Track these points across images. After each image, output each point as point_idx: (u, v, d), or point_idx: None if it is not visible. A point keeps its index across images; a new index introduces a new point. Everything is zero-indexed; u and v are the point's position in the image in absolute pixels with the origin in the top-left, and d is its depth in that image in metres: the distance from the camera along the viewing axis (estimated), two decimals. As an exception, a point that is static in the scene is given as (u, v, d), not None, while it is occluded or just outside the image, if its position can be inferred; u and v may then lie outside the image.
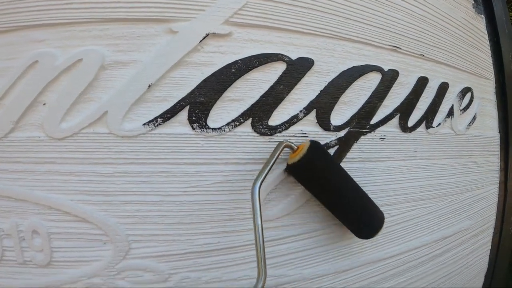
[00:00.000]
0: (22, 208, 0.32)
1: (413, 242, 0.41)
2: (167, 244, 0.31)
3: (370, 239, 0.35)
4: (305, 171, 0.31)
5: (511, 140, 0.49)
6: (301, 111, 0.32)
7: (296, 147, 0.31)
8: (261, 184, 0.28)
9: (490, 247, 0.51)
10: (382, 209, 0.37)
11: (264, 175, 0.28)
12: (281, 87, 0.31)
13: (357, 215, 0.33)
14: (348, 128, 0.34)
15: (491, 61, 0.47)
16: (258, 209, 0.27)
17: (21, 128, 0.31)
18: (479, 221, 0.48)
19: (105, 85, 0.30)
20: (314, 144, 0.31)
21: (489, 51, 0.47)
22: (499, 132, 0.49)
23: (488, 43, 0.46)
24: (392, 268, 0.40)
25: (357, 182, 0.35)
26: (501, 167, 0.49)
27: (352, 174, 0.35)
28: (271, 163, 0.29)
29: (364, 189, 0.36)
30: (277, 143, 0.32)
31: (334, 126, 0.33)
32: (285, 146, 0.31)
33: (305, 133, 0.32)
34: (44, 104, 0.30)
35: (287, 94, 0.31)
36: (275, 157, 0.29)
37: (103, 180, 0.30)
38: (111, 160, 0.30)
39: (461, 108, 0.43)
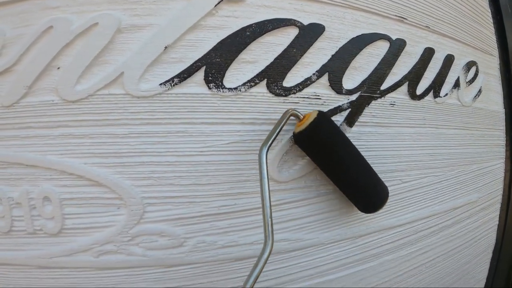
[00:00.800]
0: (33, 174, 0.32)
1: (424, 211, 0.41)
2: (183, 206, 0.31)
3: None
4: (311, 141, 0.31)
5: (515, 116, 0.50)
6: (314, 74, 0.32)
7: (302, 116, 0.31)
8: (268, 149, 0.28)
9: (497, 223, 0.52)
10: (394, 175, 0.38)
11: (271, 140, 0.28)
12: (294, 50, 0.32)
13: (361, 189, 0.33)
14: (360, 92, 0.34)
15: (495, 39, 0.49)
16: (266, 174, 0.27)
17: (34, 93, 0.31)
18: (486, 195, 0.49)
19: (121, 48, 0.30)
20: (320, 114, 0.31)
21: (493, 29, 0.48)
22: (504, 108, 0.50)
23: (492, 20, 0.48)
24: (404, 236, 0.40)
25: (371, 147, 0.35)
26: (506, 142, 0.50)
27: (365, 138, 0.35)
28: (277, 130, 0.29)
29: (377, 154, 0.37)
30: (292, 104, 0.32)
31: (346, 89, 0.34)
32: (291, 115, 0.31)
33: (318, 95, 0.33)
34: (59, 68, 0.31)
35: (300, 57, 0.32)
36: (282, 124, 0.29)
37: (118, 141, 0.30)
38: (126, 121, 0.30)
39: (467, 80, 0.44)
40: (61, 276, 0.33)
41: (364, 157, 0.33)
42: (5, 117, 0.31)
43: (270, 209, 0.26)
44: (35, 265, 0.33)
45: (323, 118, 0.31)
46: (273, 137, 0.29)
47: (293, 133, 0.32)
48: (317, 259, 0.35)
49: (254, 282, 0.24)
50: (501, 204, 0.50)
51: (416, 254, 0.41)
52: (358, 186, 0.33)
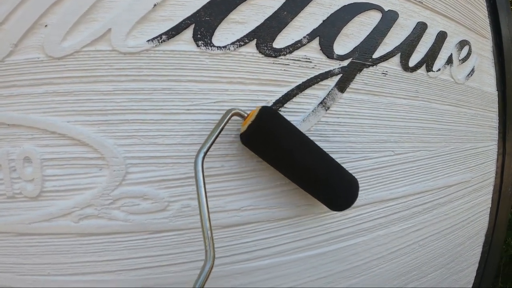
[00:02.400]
0: (15, 134, 0.31)
1: (417, 186, 0.40)
2: (167, 167, 0.30)
3: (376, 174, 0.35)
4: (256, 141, 0.28)
5: (508, 99, 0.50)
6: (304, 37, 0.32)
7: (246, 115, 0.28)
8: (204, 155, 0.25)
9: (490, 205, 0.51)
10: (386, 145, 0.37)
11: (208, 145, 0.26)
12: (285, 13, 0.32)
13: (324, 185, 0.30)
14: (351, 58, 0.34)
15: (488, 21, 0.49)
16: (202, 182, 0.24)
17: (20, 51, 0.30)
18: (479, 176, 0.48)
19: (109, 6, 0.29)
20: (263, 110, 0.28)
21: (486, 11, 0.49)
22: (497, 90, 0.50)
23: (485, 4, 0.48)
24: (397, 211, 0.39)
25: (364, 115, 0.34)
26: (499, 125, 0.49)
27: (357, 105, 0.35)
28: (216, 133, 0.26)
29: (370, 122, 0.36)
30: (281, 65, 0.31)
31: (337, 55, 0.33)
32: (233, 114, 0.28)
33: (309, 59, 0.32)
34: (46, 26, 0.30)
35: (290, 20, 0.32)
36: (221, 126, 0.27)
37: (102, 98, 0.29)
38: (112, 77, 0.29)
39: (460, 58, 0.44)
40: (40, 244, 0.32)
41: (358, 125, 0.32)
42: (-11, 75, 0.31)
43: (209, 221, 0.24)
44: (14, 232, 0.32)
45: (266, 113, 0.28)
46: (211, 141, 0.26)
47: (240, 134, 0.29)
48: (308, 229, 0.34)
49: None
50: (494, 186, 0.50)
51: (409, 231, 0.40)
52: (320, 183, 0.30)
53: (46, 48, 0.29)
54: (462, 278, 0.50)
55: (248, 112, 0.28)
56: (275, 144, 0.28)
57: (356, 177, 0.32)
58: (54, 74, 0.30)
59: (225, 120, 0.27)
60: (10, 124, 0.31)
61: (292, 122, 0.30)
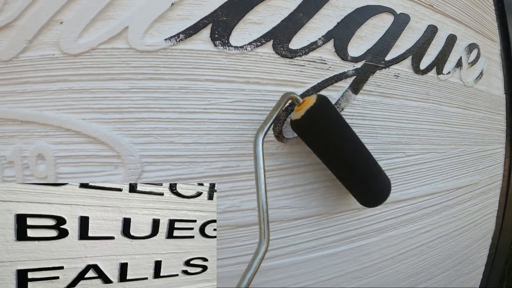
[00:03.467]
0: (28, 131, 0.30)
1: (427, 187, 0.41)
2: (183, 166, 0.30)
3: (388, 175, 0.35)
4: (308, 129, 0.28)
5: (515, 103, 0.51)
6: (319, 39, 0.32)
7: (301, 100, 0.28)
8: (264, 135, 0.25)
9: (497, 208, 0.51)
10: (397, 147, 0.37)
11: (267, 126, 0.26)
12: (301, 14, 0.32)
13: (362, 183, 0.31)
14: (365, 60, 0.34)
15: (496, 25, 0.50)
16: (262, 164, 0.24)
17: (34, 47, 0.30)
18: (487, 178, 0.49)
19: (127, 3, 0.29)
20: (320, 99, 0.27)
21: (494, 15, 0.49)
22: (505, 93, 0.51)
23: (493, 7, 0.49)
24: (408, 212, 0.39)
25: (376, 117, 0.35)
26: (507, 128, 0.50)
27: (369, 107, 0.35)
28: (275, 114, 0.27)
29: (381, 124, 0.36)
30: (297, 66, 0.32)
31: (351, 56, 0.34)
32: (289, 98, 0.28)
33: (324, 60, 0.32)
34: (62, 22, 0.30)
35: (306, 22, 0.32)
36: (279, 108, 0.27)
37: (119, 96, 0.29)
38: (129, 75, 0.29)
39: (469, 61, 0.45)
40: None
41: (371, 126, 0.32)
42: (2, 72, 0.30)
43: (267, 204, 0.24)
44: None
45: (323, 104, 0.28)
46: (270, 122, 0.26)
47: (291, 120, 0.29)
48: (321, 229, 0.34)
49: (249, 283, 0.22)
50: (501, 189, 0.50)
51: (418, 233, 0.41)
52: (359, 180, 0.31)
53: (61, 45, 0.29)
54: (469, 280, 0.51)
55: (304, 99, 0.28)
56: (327, 133, 0.28)
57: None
58: (69, 71, 0.29)
59: (283, 103, 0.27)
60: (23, 121, 0.30)
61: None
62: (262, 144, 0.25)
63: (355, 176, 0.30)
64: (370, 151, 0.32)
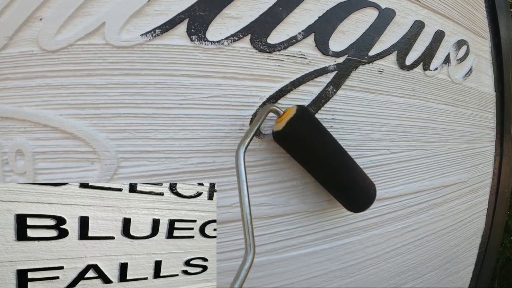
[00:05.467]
0: (7, 127, 0.30)
1: (413, 185, 0.40)
2: (158, 162, 0.29)
3: (371, 172, 0.34)
4: (290, 140, 0.29)
5: (506, 100, 0.50)
6: (299, 33, 0.32)
7: (282, 112, 0.29)
8: (245, 149, 0.26)
9: (486, 206, 0.50)
10: (381, 144, 0.37)
11: (248, 140, 0.26)
12: (280, 9, 0.31)
13: (346, 189, 0.31)
14: (347, 55, 0.34)
15: (487, 22, 0.49)
16: (244, 177, 0.24)
17: (14, 44, 0.30)
18: (476, 176, 0.48)
19: (104, 0, 0.29)
20: (300, 110, 0.28)
21: (485, 12, 0.48)
22: (495, 91, 0.50)
23: (484, 4, 0.48)
24: (393, 211, 0.39)
25: (359, 113, 0.34)
26: (497, 125, 0.49)
27: (352, 103, 0.35)
28: (255, 128, 0.27)
29: (365, 120, 0.36)
30: (276, 61, 0.31)
31: (332, 51, 0.33)
32: (270, 111, 0.29)
33: (304, 55, 0.32)
34: (41, 19, 0.30)
35: (285, 16, 0.31)
36: (260, 121, 0.27)
37: (95, 92, 0.29)
38: (105, 71, 0.29)
39: (457, 58, 0.44)
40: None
41: (353, 123, 0.32)
42: (-18, 68, 0.30)
43: (250, 215, 0.24)
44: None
45: (303, 114, 0.28)
46: (252, 134, 0.26)
47: (273, 131, 0.29)
48: (301, 227, 0.34)
49: None
50: (491, 188, 0.49)
51: (404, 231, 0.40)
52: (343, 187, 0.31)
53: (40, 41, 0.29)
54: (458, 279, 0.50)
55: (284, 110, 0.29)
56: (309, 144, 0.28)
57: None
58: (47, 67, 0.29)
59: (263, 116, 0.28)
60: (3, 117, 0.30)
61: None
62: (244, 157, 0.25)
63: (338, 184, 0.31)
64: (353, 147, 0.31)
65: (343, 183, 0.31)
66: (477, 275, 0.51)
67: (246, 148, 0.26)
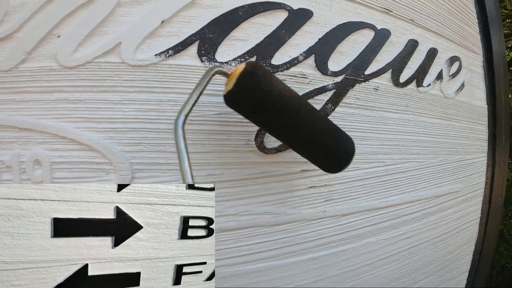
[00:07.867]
0: (26, 138, 0.32)
1: (407, 195, 0.42)
2: (170, 173, 0.32)
3: (367, 183, 0.36)
4: (243, 100, 0.25)
5: (498, 113, 0.53)
6: (301, 54, 0.34)
7: (229, 72, 0.25)
8: (185, 118, 0.23)
9: (479, 215, 0.53)
10: (377, 157, 0.39)
11: (188, 107, 0.23)
12: (283, 32, 0.34)
13: (318, 146, 0.27)
14: (345, 74, 0.36)
15: (479, 37, 0.51)
16: (183, 148, 0.23)
17: (33, 58, 0.32)
18: (468, 186, 0.50)
19: (121, 20, 0.32)
20: (251, 64, 0.24)
21: (477, 28, 0.51)
22: (487, 104, 0.52)
23: (477, 20, 0.51)
24: (387, 219, 0.41)
25: (355, 128, 0.36)
26: (489, 137, 0.51)
27: (349, 119, 0.37)
28: (195, 94, 0.24)
29: (361, 135, 0.38)
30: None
31: (331, 71, 0.36)
32: (215, 73, 0.25)
33: (305, 75, 0.34)
34: (59, 36, 0.32)
35: (288, 38, 0.34)
36: (203, 85, 0.24)
37: (111, 107, 0.31)
38: (121, 88, 0.31)
39: (450, 74, 0.47)
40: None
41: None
42: (2, 81, 0.32)
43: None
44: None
45: (254, 70, 0.24)
46: (192, 102, 0.23)
47: (223, 95, 0.26)
48: (299, 235, 0.36)
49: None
50: (483, 197, 0.51)
51: (399, 239, 0.42)
52: (314, 143, 0.27)
53: (59, 58, 0.31)
54: (453, 285, 0.52)
55: (232, 70, 0.25)
56: (265, 103, 0.25)
57: (347, 186, 0.34)
58: (65, 82, 0.32)
59: (207, 79, 0.24)
60: (22, 128, 0.32)
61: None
62: (183, 128, 0.23)
63: (311, 140, 0.27)
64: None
65: (313, 138, 0.27)
66: (472, 282, 0.53)
67: (185, 117, 0.23)
